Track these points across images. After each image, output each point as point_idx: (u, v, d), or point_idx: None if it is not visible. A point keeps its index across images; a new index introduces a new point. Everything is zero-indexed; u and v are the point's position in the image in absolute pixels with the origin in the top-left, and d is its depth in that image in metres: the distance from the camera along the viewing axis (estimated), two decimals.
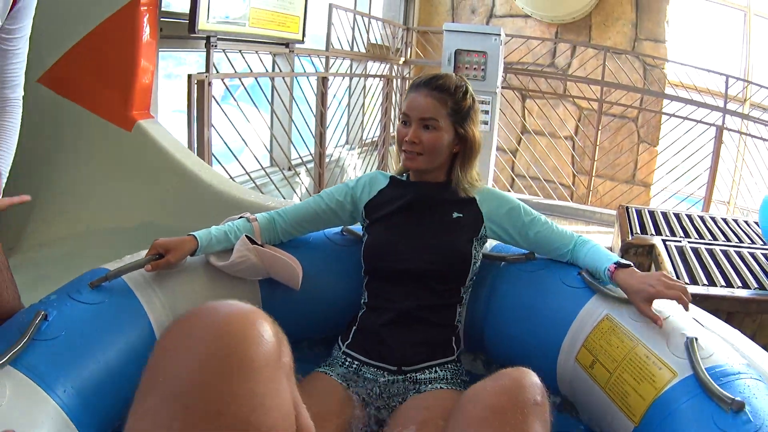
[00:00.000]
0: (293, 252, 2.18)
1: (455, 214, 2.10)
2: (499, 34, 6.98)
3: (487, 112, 7.06)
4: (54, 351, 1.61)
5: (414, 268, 2.02)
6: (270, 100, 5.50)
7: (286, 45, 5.30)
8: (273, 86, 5.49)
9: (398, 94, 8.23)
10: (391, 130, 8.08)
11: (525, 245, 2.16)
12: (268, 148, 5.67)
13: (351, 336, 2.06)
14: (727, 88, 7.59)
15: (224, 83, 4.62)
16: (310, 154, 6.18)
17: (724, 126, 7.53)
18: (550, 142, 8.58)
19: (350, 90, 7.25)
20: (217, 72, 4.44)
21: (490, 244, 2.33)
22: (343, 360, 2.01)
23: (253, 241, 2.07)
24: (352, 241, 2.35)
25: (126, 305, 1.85)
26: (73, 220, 3.71)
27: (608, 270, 1.90)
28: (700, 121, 7.63)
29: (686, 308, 1.78)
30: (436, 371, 1.96)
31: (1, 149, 1.85)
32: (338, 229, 2.40)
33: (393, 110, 8.03)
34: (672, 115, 7.91)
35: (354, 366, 1.99)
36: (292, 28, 5.23)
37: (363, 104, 7.25)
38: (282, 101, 5.57)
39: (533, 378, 1.43)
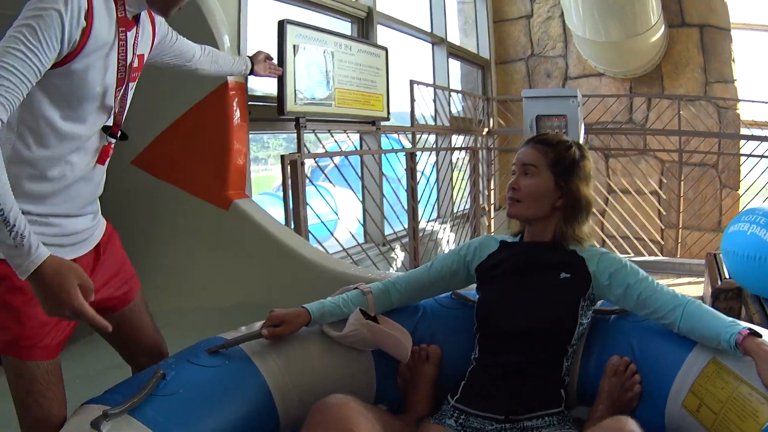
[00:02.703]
0: (406, 317, 2.27)
1: (563, 275, 2.10)
2: (576, 96, 7.04)
3: None
4: (172, 405, 1.69)
5: (521, 327, 2.05)
6: (360, 177, 5.63)
7: (373, 123, 5.44)
8: (362, 163, 5.62)
9: (484, 165, 8.33)
10: (481, 202, 8.14)
11: (629, 307, 2.10)
12: (362, 224, 5.77)
13: (460, 391, 2.07)
14: None
15: (316, 162, 4.76)
16: (404, 228, 6.25)
17: None
18: (636, 198, 8.50)
19: (437, 164, 7.35)
20: (309, 152, 4.59)
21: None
22: (451, 413, 2.03)
23: (367, 315, 2.13)
24: (462, 304, 2.37)
25: (243, 368, 1.93)
26: (174, 294, 3.83)
27: (738, 335, 1.77)
28: None
29: None
30: (543, 419, 1.96)
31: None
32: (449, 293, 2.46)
33: (481, 181, 8.11)
34: (750, 155, 7.86)
35: (462, 417, 2.01)
36: (377, 106, 5.38)
37: (451, 177, 7.32)
38: (373, 177, 5.70)
39: (632, 426, 1.52)
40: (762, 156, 7.66)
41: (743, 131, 8.17)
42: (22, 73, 1.49)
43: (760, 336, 1.75)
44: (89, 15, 1.61)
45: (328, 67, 4.64)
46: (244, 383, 1.90)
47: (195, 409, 1.74)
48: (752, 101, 8.09)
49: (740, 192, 8.38)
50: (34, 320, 1.69)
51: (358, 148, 5.87)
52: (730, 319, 1.86)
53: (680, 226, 8.01)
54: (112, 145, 1.88)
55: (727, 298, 4.21)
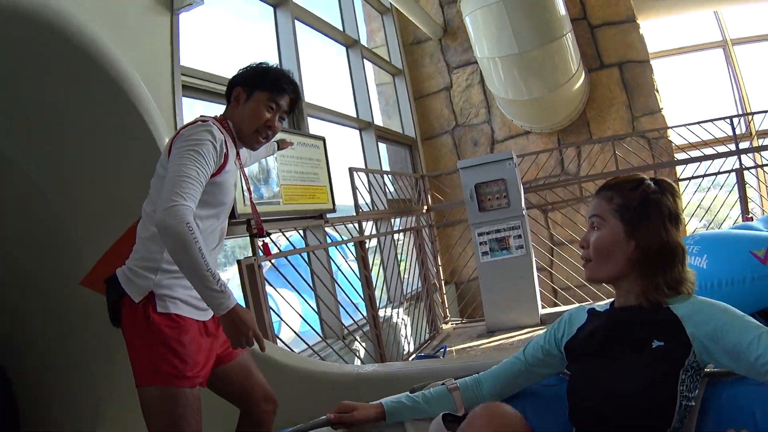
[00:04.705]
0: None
1: (656, 343, 1.75)
2: (512, 158, 7.19)
3: (520, 236, 7.07)
4: None
5: (609, 413, 1.75)
6: (311, 271, 5.48)
7: (320, 216, 5.34)
8: (310, 258, 5.49)
9: (430, 243, 8.29)
10: (431, 279, 8.07)
11: (744, 372, 1.71)
12: (319, 318, 5.60)
13: None
14: (734, 129, 7.90)
15: (272, 263, 4.60)
16: (363, 317, 6.09)
17: (743, 167, 7.78)
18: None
19: (381, 249, 7.24)
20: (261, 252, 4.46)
21: None
22: None
23: (452, 416, 1.92)
24: (560, 380, 2.13)
25: None
26: None
27: None
28: (719, 173, 7.91)
29: None
30: None
31: None
32: None
33: (428, 260, 8.05)
34: (692, 177, 8.08)
35: None
36: (322, 198, 5.29)
37: (398, 260, 7.24)
38: (326, 269, 5.57)
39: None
40: (703, 176, 7.96)
41: (678, 156, 8.38)
42: (199, 180, 2.20)
43: None
44: (225, 145, 2.38)
45: (272, 163, 4.53)
46: None
47: None
48: (681, 125, 8.38)
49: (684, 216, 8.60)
50: (193, 359, 2.35)
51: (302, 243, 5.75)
52: None
53: None
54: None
55: None
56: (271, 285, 4.47)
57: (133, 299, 2.34)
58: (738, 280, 4.05)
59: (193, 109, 4.53)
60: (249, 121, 2.52)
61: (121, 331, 2.42)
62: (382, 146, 8.59)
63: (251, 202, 2.91)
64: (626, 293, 1.87)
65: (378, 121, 8.47)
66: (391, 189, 7.62)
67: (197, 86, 4.56)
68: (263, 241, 3.17)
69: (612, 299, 1.97)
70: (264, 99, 2.52)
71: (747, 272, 4.03)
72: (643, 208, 1.84)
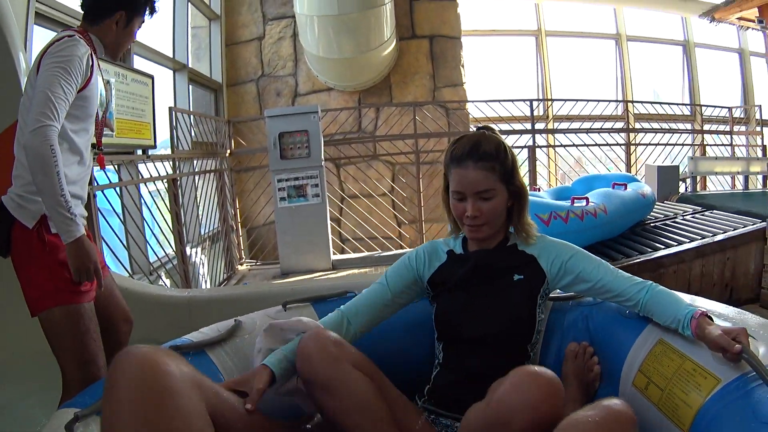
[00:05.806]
0: None
1: (516, 277, 2.11)
2: (317, 111, 7.49)
3: (317, 185, 7.48)
4: None
5: (480, 335, 2.07)
6: (122, 207, 5.50)
7: (143, 151, 5.47)
8: (122, 193, 5.53)
9: (230, 186, 8.53)
10: (229, 221, 8.30)
11: (584, 291, 2.15)
12: (129, 255, 5.63)
13: (426, 393, 2.13)
14: (532, 111, 8.87)
15: (103, 194, 4.68)
16: (166, 254, 6.26)
17: (536, 145, 8.73)
18: (370, 202, 9.18)
19: (182, 188, 7.33)
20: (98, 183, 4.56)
21: None
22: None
23: None
24: (426, 305, 2.35)
25: (203, 367, 2.00)
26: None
27: (695, 311, 1.85)
28: (513, 146, 8.60)
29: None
30: None
31: None
32: None
33: (228, 203, 8.28)
34: None
35: (431, 417, 2.05)
36: (146, 134, 5.42)
37: (196, 200, 7.35)
38: (136, 205, 5.71)
39: (630, 411, 1.56)
40: None
41: (473, 127, 9.02)
42: (66, 98, 2.25)
43: (711, 318, 1.83)
44: (91, 58, 2.42)
45: (109, 97, 4.61)
46: None
47: None
48: (479, 101, 9.28)
49: None
50: None
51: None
52: (688, 301, 1.94)
53: (422, 218, 8.73)
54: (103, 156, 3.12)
55: None
56: (103, 216, 4.55)
57: (26, 225, 2.37)
58: None
59: (42, 37, 4.52)
60: (124, 44, 2.66)
61: (11, 260, 2.44)
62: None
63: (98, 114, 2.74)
64: (491, 240, 2.19)
65: (190, 63, 8.52)
66: (196, 131, 7.72)
67: (51, 16, 4.56)
68: (99, 153, 3.00)
69: (456, 237, 2.30)
70: (138, 23, 2.68)
71: None
72: (513, 167, 2.12)
